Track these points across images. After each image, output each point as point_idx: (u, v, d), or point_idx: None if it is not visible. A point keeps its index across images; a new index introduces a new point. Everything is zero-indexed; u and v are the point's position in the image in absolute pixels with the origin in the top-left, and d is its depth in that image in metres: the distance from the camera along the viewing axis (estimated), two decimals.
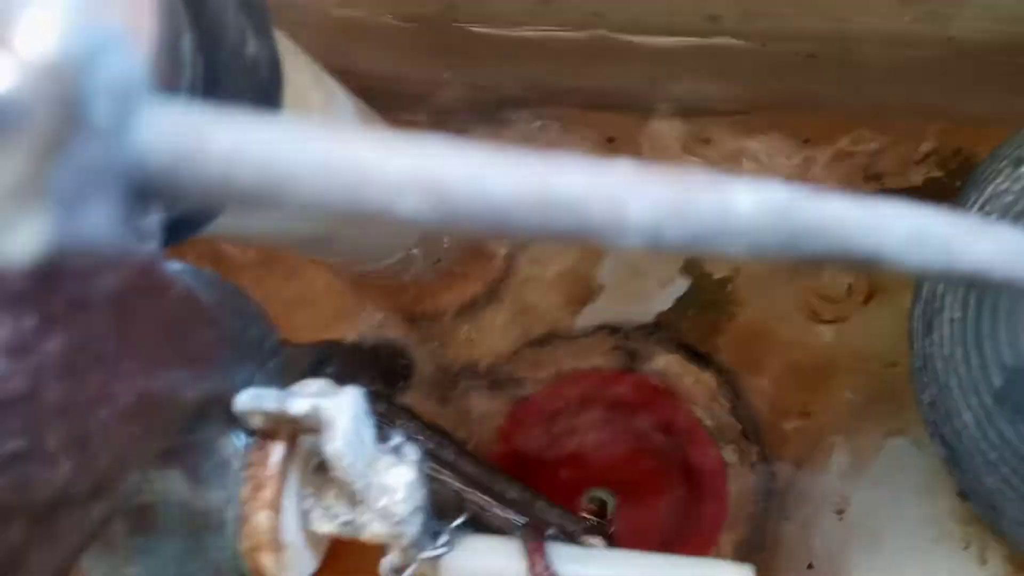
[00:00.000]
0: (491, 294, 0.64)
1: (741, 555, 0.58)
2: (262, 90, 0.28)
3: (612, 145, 0.62)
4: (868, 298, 0.58)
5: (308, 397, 0.28)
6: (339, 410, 0.28)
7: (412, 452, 0.32)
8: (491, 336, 0.64)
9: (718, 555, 0.58)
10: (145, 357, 0.25)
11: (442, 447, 0.44)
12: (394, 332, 0.62)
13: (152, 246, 0.27)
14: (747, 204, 0.15)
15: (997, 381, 0.31)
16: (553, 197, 0.13)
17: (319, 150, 0.12)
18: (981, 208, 0.36)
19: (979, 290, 0.32)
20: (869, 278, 0.57)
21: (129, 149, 0.11)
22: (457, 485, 0.41)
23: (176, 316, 0.27)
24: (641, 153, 0.61)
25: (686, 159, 0.60)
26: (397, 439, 0.33)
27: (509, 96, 0.60)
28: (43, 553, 0.22)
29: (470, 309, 0.64)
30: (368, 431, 0.30)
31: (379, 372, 0.58)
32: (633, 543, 0.53)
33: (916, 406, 0.40)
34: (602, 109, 0.61)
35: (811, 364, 0.59)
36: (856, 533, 0.53)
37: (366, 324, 0.61)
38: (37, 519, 0.20)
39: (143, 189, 0.11)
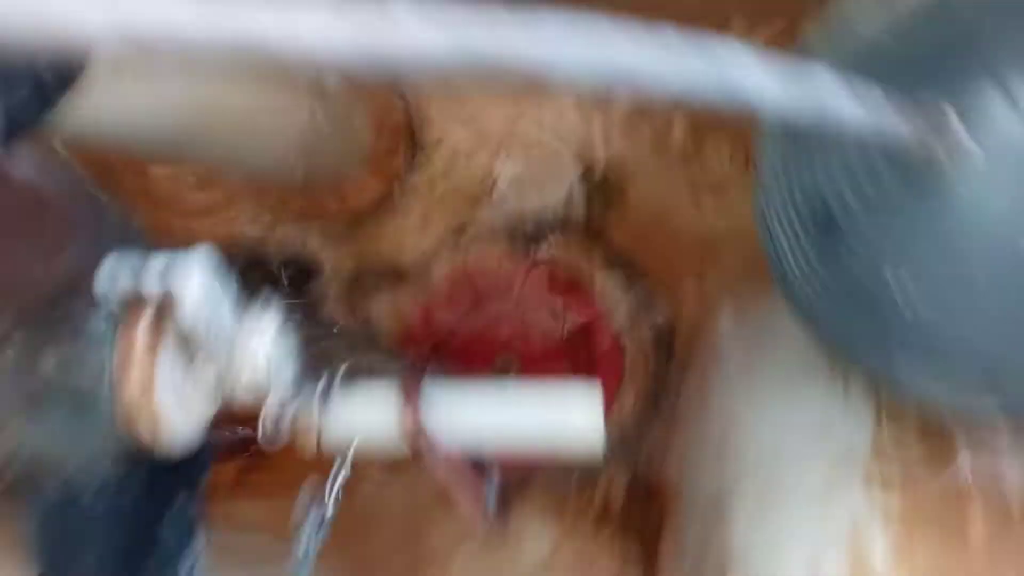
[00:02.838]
0: (394, 194, 0.66)
1: (643, 404, 0.63)
2: None
3: None
4: (747, 164, 0.61)
5: (155, 273, 0.29)
6: (186, 281, 0.29)
7: (273, 319, 0.34)
8: (396, 235, 0.66)
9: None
10: None
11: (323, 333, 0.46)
12: (295, 235, 0.63)
13: None
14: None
15: (804, 207, 0.34)
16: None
17: None
18: None
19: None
20: (745, 145, 0.60)
21: None
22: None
23: (20, 205, 0.29)
24: None
25: None
26: (259, 308, 0.34)
27: None
28: None
29: (374, 210, 0.65)
30: (225, 303, 0.32)
31: (283, 277, 0.60)
32: None
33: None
34: None
35: (698, 235, 0.62)
36: (740, 377, 0.57)
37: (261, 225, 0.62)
38: None
39: None
